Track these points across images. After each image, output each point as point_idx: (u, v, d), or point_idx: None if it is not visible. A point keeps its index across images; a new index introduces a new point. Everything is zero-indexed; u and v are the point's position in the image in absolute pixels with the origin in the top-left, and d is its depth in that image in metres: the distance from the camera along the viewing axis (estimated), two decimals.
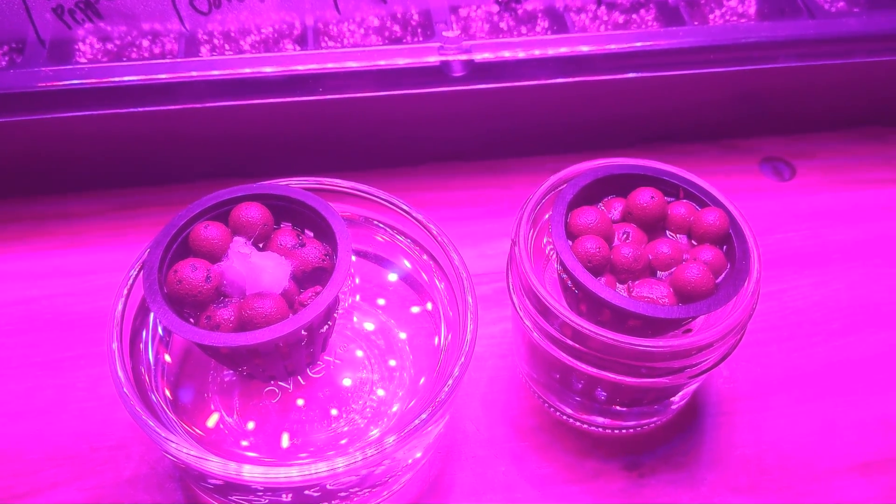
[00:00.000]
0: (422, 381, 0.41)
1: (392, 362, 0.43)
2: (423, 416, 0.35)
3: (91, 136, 0.52)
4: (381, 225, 0.43)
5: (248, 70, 0.51)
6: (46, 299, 0.49)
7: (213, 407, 0.40)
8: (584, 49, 0.53)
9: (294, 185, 0.40)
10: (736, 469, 0.43)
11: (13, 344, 0.47)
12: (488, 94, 0.53)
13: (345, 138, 0.56)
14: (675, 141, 0.59)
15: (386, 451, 0.34)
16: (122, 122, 0.51)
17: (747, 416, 0.45)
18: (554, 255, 0.40)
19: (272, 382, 0.41)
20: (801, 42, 0.54)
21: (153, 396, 0.37)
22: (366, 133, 0.56)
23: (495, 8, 0.58)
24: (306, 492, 0.36)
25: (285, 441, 0.39)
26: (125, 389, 0.35)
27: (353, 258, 0.43)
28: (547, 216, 0.41)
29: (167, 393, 0.39)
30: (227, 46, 0.55)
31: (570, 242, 0.38)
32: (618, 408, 0.42)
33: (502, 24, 0.58)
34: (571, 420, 0.44)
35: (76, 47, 0.54)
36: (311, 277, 0.37)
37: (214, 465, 0.33)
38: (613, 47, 0.53)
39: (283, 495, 0.36)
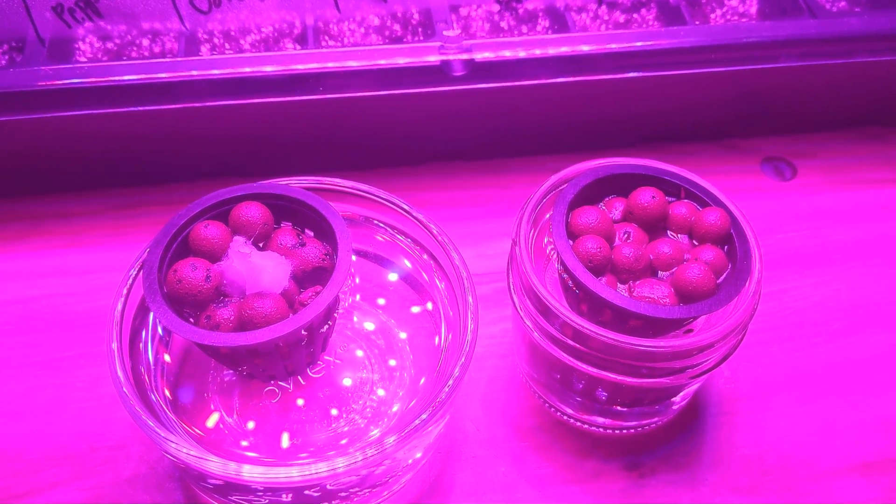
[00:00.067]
0: (422, 381, 0.41)
1: (392, 362, 0.42)
2: (424, 416, 0.35)
3: (91, 136, 0.52)
4: (381, 224, 0.43)
5: (248, 69, 0.51)
6: (46, 299, 0.49)
7: (212, 407, 0.40)
8: (585, 48, 0.53)
9: (294, 184, 0.40)
10: (737, 469, 0.43)
11: (12, 343, 0.47)
12: (489, 94, 0.53)
13: (345, 138, 0.56)
14: (675, 141, 0.59)
15: (386, 451, 0.34)
16: (121, 122, 0.51)
17: (748, 417, 0.45)
18: (555, 255, 0.40)
19: (272, 382, 0.41)
20: (803, 42, 0.54)
21: (153, 396, 0.37)
22: (366, 132, 0.56)
23: (496, 7, 0.58)
24: (306, 492, 0.35)
25: (285, 441, 0.39)
26: (125, 389, 0.35)
27: (354, 258, 0.43)
28: (548, 216, 0.41)
29: (167, 393, 0.39)
30: (227, 45, 0.55)
31: (571, 242, 0.38)
32: (618, 408, 0.42)
33: (503, 24, 0.58)
34: (572, 420, 0.44)
35: (76, 46, 0.54)
36: (311, 277, 0.36)
37: (214, 465, 0.33)
38: (614, 47, 0.53)
39: (283, 495, 0.36)
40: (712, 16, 0.59)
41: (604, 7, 0.58)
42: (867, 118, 0.61)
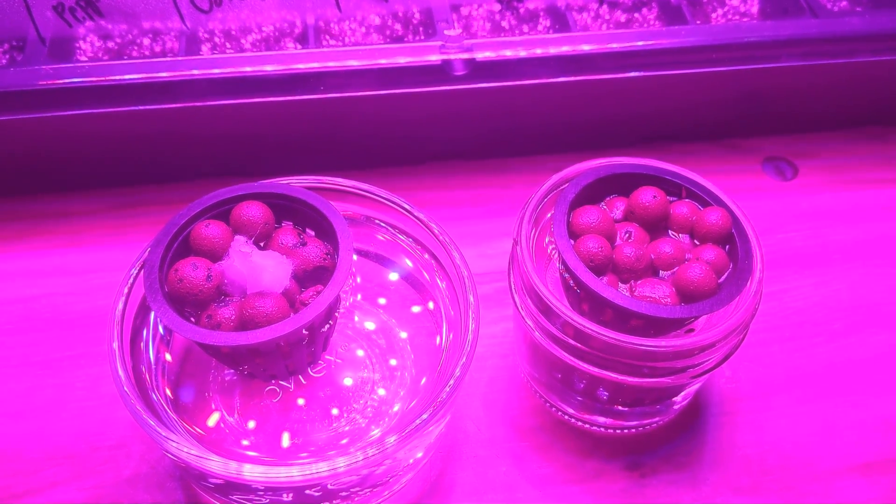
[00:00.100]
0: (423, 380, 0.41)
1: (393, 362, 0.42)
2: (425, 415, 0.35)
3: (91, 135, 0.52)
4: (382, 224, 0.43)
5: (249, 69, 0.51)
6: (46, 298, 0.49)
7: (213, 406, 0.40)
8: (586, 48, 0.53)
9: (295, 183, 0.40)
10: (738, 469, 0.43)
11: (13, 343, 0.47)
12: (489, 93, 0.53)
13: (346, 137, 0.56)
14: (677, 140, 0.59)
15: (387, 450, 0.34)
16: (122, 121, 0.51)
17: (749, 417, 0.45)
18: (556, 255, 0.40)
19: (273, 382, 0.41)
20: (804, 41, 0.54)
21: (154, 395, 0.37)
22: (367, 132, 0.55)
23: (497, 6, 0.58)
24: (307, 491, 0.35)
25: (286, 440, 0.39)
26: (126, 388, 0.35)
27: (355, 257, 0.43)
28: (549, 215, 0.41)
29: (168, 392, 0.39)
30: (228, 45, 0.55)
31: (573, 242, 0.38)
32: (619, 407, 0.42)
33: (504, 23, 0.58)
34: (573, 420, 0.44)
35: (77, 45, 0.54)
36: (312, 276, 0.36)
37: (215, 465, 0.33)
38: (615, 46, 0.53)
39: (284, 495, 0.36)
40: (713, 15, 0.59)
41: (605, 6, 0.58)
42: (869, 118, 0.61)
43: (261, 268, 0.35)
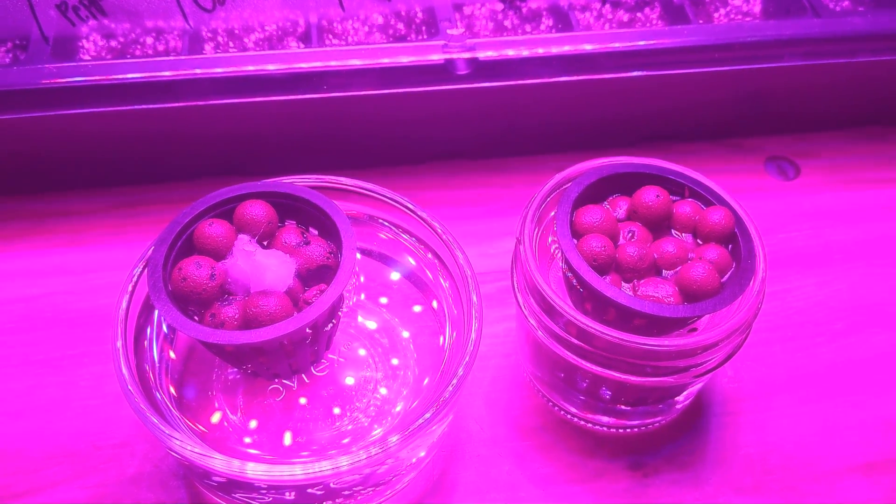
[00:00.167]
0: (426, 380, 0.41)
1: (395, 361, 0.42)
2: (427, 415, 0.35)
3: (94, 134, 0.52)
4: (385, 223, 0.43)
5: (251, 68, 0.51)
6: (48, 297, 0.49)
7: (217, 404, 0.40)
8: (589, 47, 0.53)
9: (298, 183, 0.40)
10: (740, 469, 0.43)
11: (15, 342, 0.47)
12: (492, 93, 0.53)
13: (348, 136, 0.56)
14: (679, 140, 0.59)
15: (389, 450, 0.34)
16: (125, 120, 0.51)
17: (751, 416, 0.45)
18: (559, 254, 0.40)
19: (276, 380, 0.41)
20: (806, 41, 0.54)
21: (157, 394, 0.37)
22: (369, 131, 0.55)
23: (500, 6, 0.58)
24: (309, 490, 0.35)
25: (288, 439, 0.39)
26: (130, 387, 0.35)
27: (358, 256, 0.43)
28: (552, 215, 0.41)
29: (171, 390, 0.39)
30: (230, 44, 0.55)
31: (576, 241, 0.38)
32: (622, 407, 0.42)
33: (506, 23, 0.58)
34: (575, 419, 0.44)
35: (80, 44, 0.54)
36: (315, 275, 0.36)
37: (218, 463, 0.33)
38: (618, 46, 0.53)
39: (287, 493, 0.36)
40: (716, 15, 0.59)
41: (607, 6, 0.58)
42: (871, 118, 0.61)
43: (264, 267, 0.35)
